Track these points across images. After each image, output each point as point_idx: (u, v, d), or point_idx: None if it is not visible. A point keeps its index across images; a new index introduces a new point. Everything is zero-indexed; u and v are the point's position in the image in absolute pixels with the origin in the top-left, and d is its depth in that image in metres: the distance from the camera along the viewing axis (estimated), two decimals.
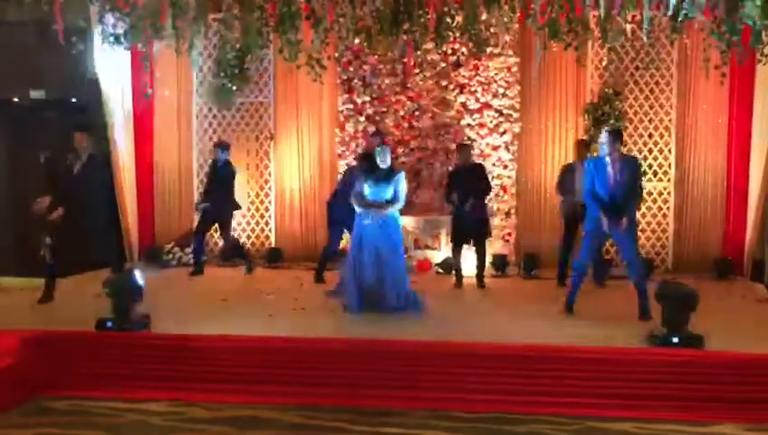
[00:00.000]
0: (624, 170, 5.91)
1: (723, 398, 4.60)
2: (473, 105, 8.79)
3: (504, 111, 8.75)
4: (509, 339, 5.19)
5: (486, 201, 7.71)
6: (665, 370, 4.73)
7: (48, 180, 6.47)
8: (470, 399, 4.72)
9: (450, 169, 8.16)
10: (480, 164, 7.95)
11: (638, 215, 8.48)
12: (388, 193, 6.15)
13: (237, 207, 8.39)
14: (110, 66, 8.38)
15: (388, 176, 6.18)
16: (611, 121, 8.29)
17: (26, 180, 9.61)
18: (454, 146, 8.65)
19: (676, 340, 4.86)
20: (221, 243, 8.72)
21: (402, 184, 6.22)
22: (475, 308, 6.56)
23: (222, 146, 8.22)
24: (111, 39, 6.28)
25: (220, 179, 8.10)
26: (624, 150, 8.25)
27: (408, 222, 8.21)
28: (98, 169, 6.54)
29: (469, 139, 8.66)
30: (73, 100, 9.31)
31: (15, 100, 9.50)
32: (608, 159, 5.94)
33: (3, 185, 9.70)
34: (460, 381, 4.83)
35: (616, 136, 6.02)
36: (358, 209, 6.20)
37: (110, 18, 6.19)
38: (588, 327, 5.62)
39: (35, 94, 9.34)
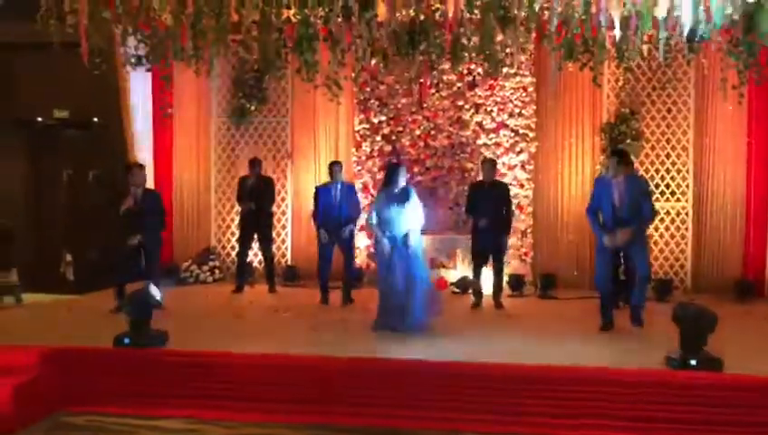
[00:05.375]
0: (630, 191, 5.89)
1: (741, 421, 4.53)
2: (489, 125, 8.82)
3: (521, 131, 8.77)
4: (522, 360, 5.15)
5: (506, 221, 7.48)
6: (682, 392, 4.67)
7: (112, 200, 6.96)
8: (480, 419, 4.67)
9: (470, 184, 8.09)
10: (503, 183, 7.84)
11: (656, 235, 8.51)
12: (407, 212, 6.15)
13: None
14: (132, 86, 8.54)
15: (403, 195, 6.21)
16: (628, 141, 8.29)
17: (49, 198, 9.80)
18: (470, 165, 8.67)
19: (693, 362, 4.80)
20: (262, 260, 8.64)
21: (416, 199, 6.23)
22: (490, 329, 6.51)
23: (258, 161, 8.41)
24: (133, 60, 6.43)
25: (260, 191, 8.18)
26: (641, 170, 8.31)
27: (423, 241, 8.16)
28: (156, 202, 6.96)
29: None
30: (95, 119, 9.48)
31: (39, 119, 9.70)
32: (613, 180, 5.96)
33: (26, 203, 9.86)
34: (470, 401, 4.79)
35: (619, 158, 6.04)
36: (378, 233, 6.21)
37: (132, 40, 6.34)
38: (603, 348, 5.58)
39: (59, 114, 9.54)
